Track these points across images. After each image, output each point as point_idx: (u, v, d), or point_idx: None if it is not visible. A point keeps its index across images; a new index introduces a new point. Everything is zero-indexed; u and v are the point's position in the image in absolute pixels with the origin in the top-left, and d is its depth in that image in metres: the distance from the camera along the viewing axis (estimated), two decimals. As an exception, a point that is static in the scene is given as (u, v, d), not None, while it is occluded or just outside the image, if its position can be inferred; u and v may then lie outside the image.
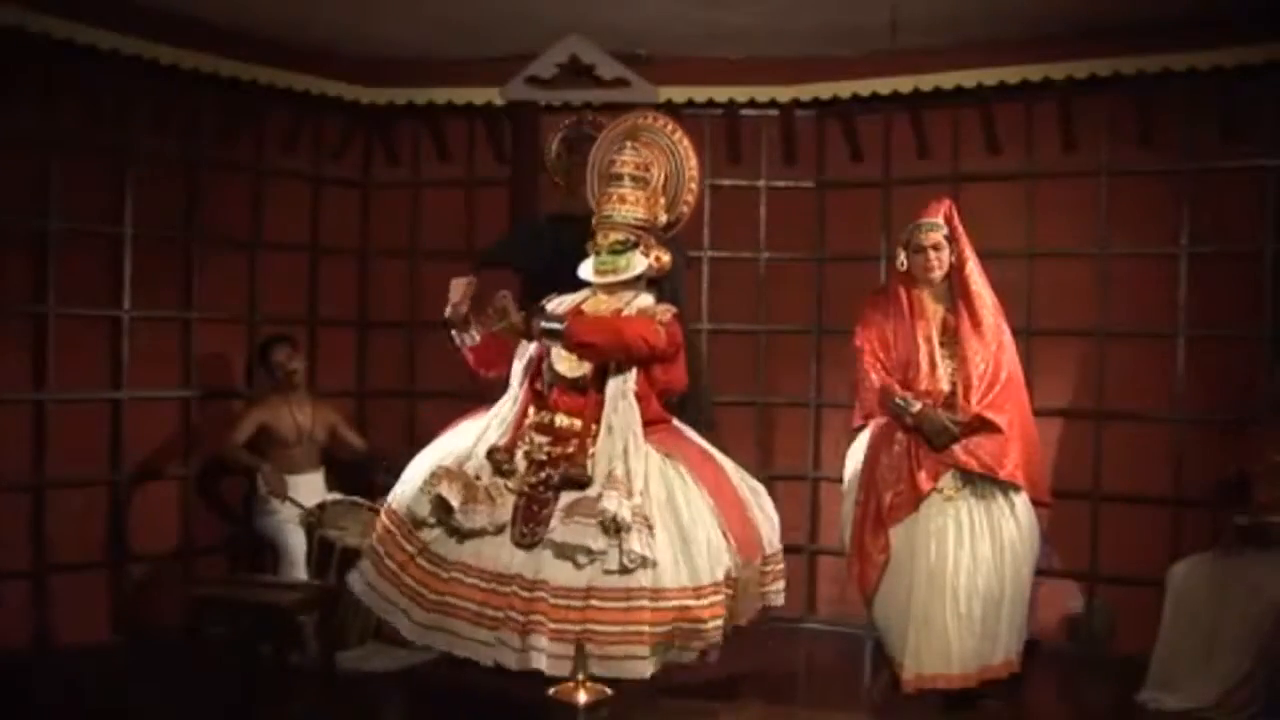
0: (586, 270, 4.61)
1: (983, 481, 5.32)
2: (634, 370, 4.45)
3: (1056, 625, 6.34)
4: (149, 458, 6.48)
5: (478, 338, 4.56)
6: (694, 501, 4.39)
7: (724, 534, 4.39)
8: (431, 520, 4.30)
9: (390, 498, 4.53)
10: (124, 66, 6.06)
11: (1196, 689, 5.21)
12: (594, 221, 4.65)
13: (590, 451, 4.34)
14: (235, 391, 6.81)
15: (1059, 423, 6.50)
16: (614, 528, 4.16)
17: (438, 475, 4.32)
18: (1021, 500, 5.38)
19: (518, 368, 4.57)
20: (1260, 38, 5.84)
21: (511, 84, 6.45)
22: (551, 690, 5.00)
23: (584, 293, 4.64)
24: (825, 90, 6.84)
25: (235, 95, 6.63)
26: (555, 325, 4.38)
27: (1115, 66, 6.21)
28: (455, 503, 4.23)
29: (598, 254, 4.58)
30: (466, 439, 4.51)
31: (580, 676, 4.99)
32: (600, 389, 4.44)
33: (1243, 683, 5.11)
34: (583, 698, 5.00)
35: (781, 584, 4.78)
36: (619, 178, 4.62)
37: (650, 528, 4.22)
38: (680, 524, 4.32)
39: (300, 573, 5.79)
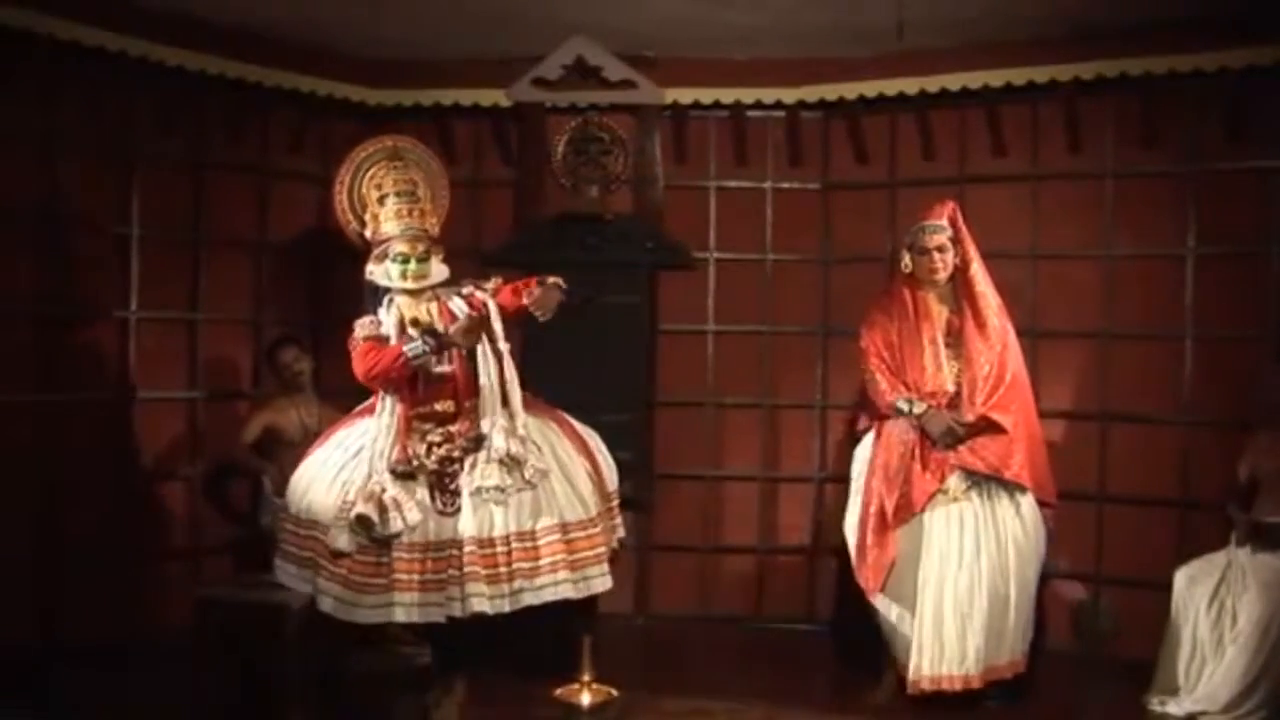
0: (393, 279, 5.04)
1: (988, 482, 5.34)
2: (500, 335, 5.02)
3: (1062, 627, 6.33)
4: (156, 458, 6.51)
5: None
6: (569, 450, 5.12)
7: (589, 476, 5.11)
8: (352, 549, 4.81)
9: (298, 510, 5.01)
10: (130, 68, 6.07)
11: (1205, 692, 5.21)
12: (379, 234, 5.07)
13: (475, 418, 4.98)
14: (242, 393, 6.82)
15: (1064, 424, 6.49)
16: (511, 462, 4.87)
17: (351, 505, 4.82)
18: (1027, 501, 5.38)
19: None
20: (1266, 39, 5.83)
21: (518, 85, 6.47)
22: (557, 691, 5.03)
23: (385, 308, 5.07)
24: (831, 92, 6.84)
25: (241, 96, 6.64)
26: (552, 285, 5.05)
27: (1121, 68, 6.20)
28: (375, 518, 4.76)
29: (407, 262, 5.01)
30: (359, 451, 4.99)
31: (585, 678, 5.03)
32: (465, 368, 5.01)
33: (1252, 686, 5.10)
34: (587, 699, 5.04)
35: (619, 520, 5.43)
36: (401, 195, 5.08)
37: (539, 448, 4.98)
38: (564, 469, 5.05)
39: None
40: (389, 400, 4.98)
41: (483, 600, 4.78)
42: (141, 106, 6.36)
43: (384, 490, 4.82)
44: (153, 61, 6.10)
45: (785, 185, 7.16)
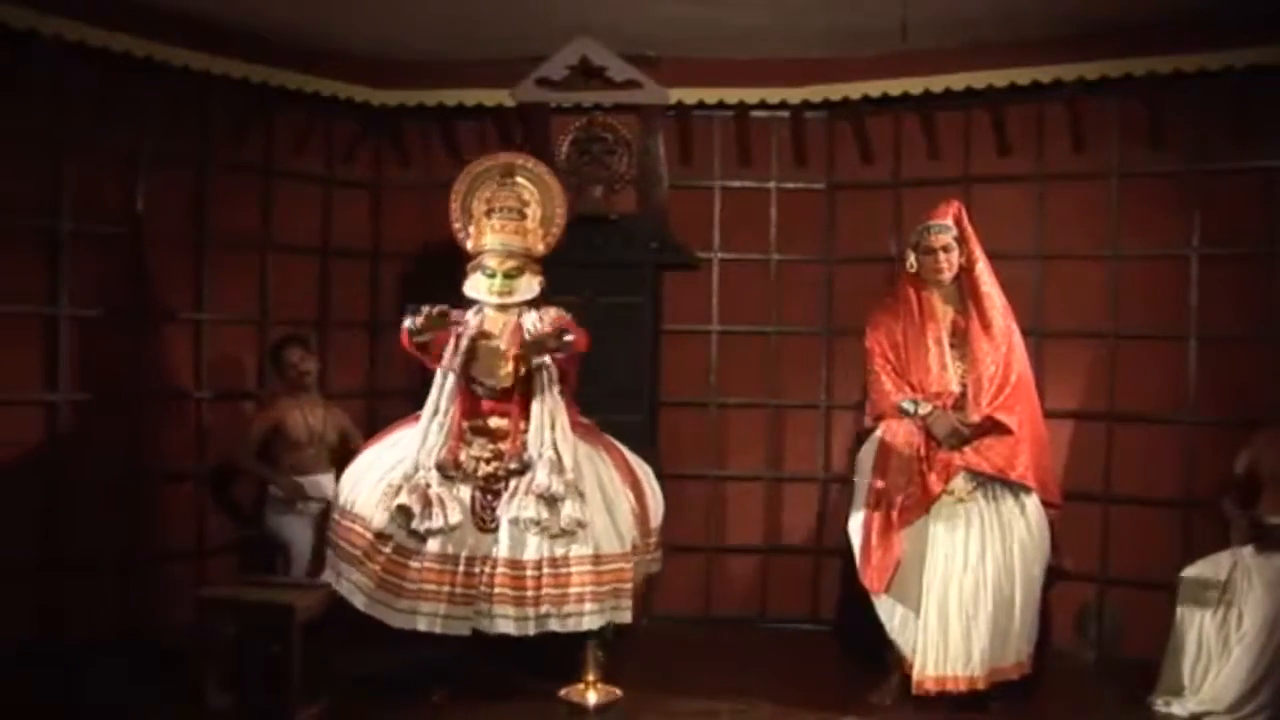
0: (479, 291, 5.33)
1: (993, 483, 5.33)
2: (555, 371, 5.23)
3: (1067, 627, 6.32)
4: (161, 459, 6.51)
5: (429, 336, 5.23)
6: (615, 482, 5.27)
7: (633, 510, 5.25)
8: (391, 530, 5.01)
9: (345, 503, 5.24)
10: (135, 68, 6.08)
11: (1210, 692, 5.21)
12: (478, 246, 5.37)
13: (524, 442, 5.15)
14: (247, 393, 6.83)
15: (1070, 424, 6.49)
16: (550, 499, 4.98)
17: (395, 490, 5.05)
18: (1032, 502, 5.38)
19: (448, 384, 5.24)
20: (1271, 39, 5.82)
21: (522, 85, 6.46)
22: (562, 691, 5.02)
23: (473, 311, 5.35)
24: (835, 92, 6.84)
25: (246, 97, 6.66)
26: (569, 339, 5.18)
27: (1126, 68, 6.20)
28: (416, 509, 4.97)
29: (493, 276, 5.29)
30: (408, 450, 5.21)
31: (590, 678, 5.02)
32: (522, 392, 5.23)
33: (1257, 686, 5.10)
34: (593, 698, 5.03)
35: (660, 553, 5.65)
36: (505, 210, 5.37)
37: (582, 496, 5.05)
38: (608, 500, 5.19)
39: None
40: (444, 400, 5.20)
41: (508, 622, 4.97)
42: (146, 107, 6.36)
43: (429, 486, 5.03)
44: (157, 62, 6.11)
45: (790, 185, 7.16)
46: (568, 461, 5.10)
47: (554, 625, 5.01)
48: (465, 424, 5.23)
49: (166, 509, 6.54)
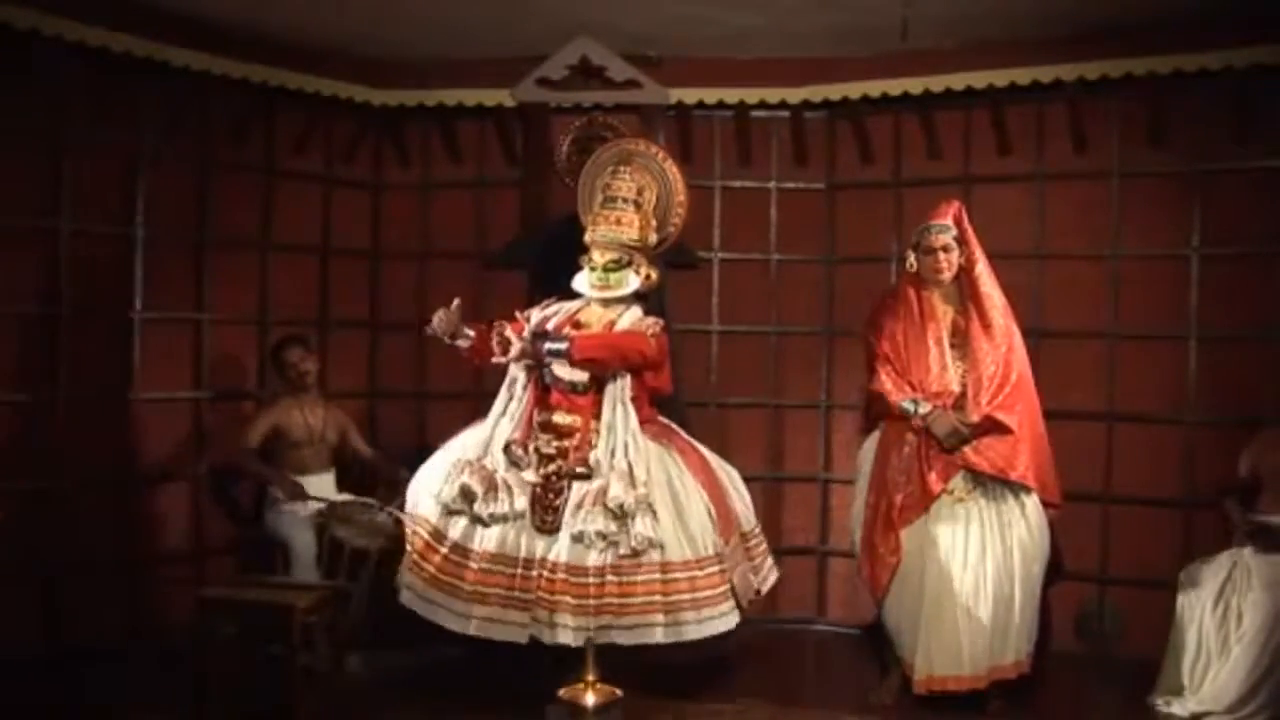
0: (582, 284, 5.08)
1: (993, 483, 5.32)
2: (629, 377, 4.93)
3: (1067, 627, 6.32)
4: (161, 459, 6.51)
5: (471, 334, 4.93)
6: (687, 484, 4.90)
7: (709, 513, 4.88)
8: (457, 506, 4.77)
9: (410, 506, 4.98)
10: (136, 68, 6.08)
11: (1210, 692, 5.21)
12: (588, 239, 5.09)
13: (593, 445, 4.85)
14: (247, 393, 6.84)
15: (1070, 424, 6.46)
16: (621, 514, 4.65)
17: (461, 466, 4.82)
18: (1032, 502, 5.38)
19: (520, 374, 5.02)
20: (1272, 37, 5.82)
21: (522, 85, 6.45)
22: (561, 691, 5.02)
23: (579, 302, 5.11)
24: (835, 91, 6.84)
25: (246, 97, 6.66)
26: (559, 346, 4.84)
27: (1126, 67, 6.20)
28: (479, 491, 4.74)
29: (594, 270, 5.04)
30: (479, 435, 4.98)
31: (590, 678, 5.01)
32: (596, 390, 4.93)
33: (1257, 686, 5.10)
34: (591, 699, 5.02)
35: (770, 560, 5.28)
36: (614, 200, 5.08)
37: (654, 513, 4.72)
38: (678, 504, 4.83)
39: (310, 574, 5.79)
40: (519, 388, 5.00)
41: (567, 631, 4.66)
42: (147, 107, 6.37)
43: (495, 471, 4.83)
44: (158, 62, 6.11)
45: (790, 185, 7.16)
46: (640, 474, 4.76)
47: (617, 636, 4.69)
48: (536, 415, 4.94)
49: (165, 510, 6.54)
